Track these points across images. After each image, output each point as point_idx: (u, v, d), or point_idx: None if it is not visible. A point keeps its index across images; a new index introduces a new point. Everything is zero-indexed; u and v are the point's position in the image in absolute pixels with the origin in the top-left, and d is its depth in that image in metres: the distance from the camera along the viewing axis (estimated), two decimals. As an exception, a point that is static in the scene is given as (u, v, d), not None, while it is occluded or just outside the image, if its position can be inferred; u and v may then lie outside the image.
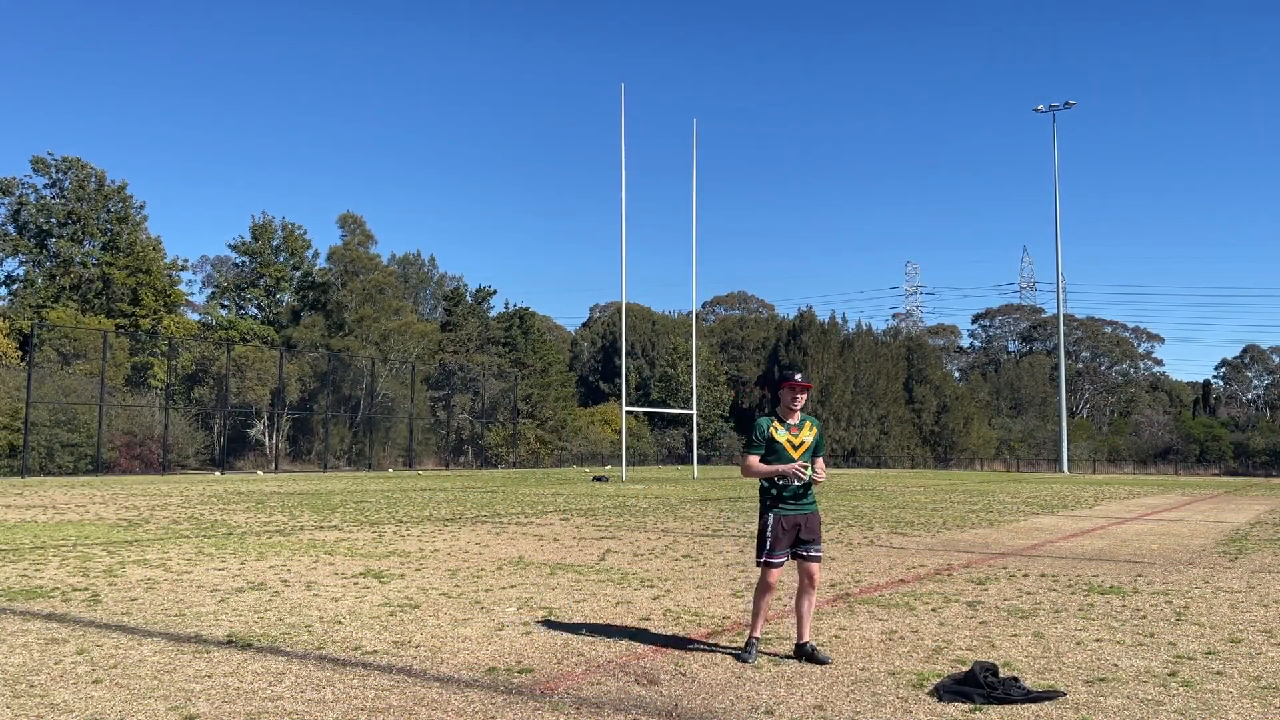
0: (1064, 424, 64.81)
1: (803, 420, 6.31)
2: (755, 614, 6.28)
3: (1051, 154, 70.55)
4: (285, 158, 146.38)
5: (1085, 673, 5.91)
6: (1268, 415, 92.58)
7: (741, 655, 6.18)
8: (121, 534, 13.46)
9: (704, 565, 10.77)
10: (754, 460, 6.25)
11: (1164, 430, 78.76)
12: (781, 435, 6.22)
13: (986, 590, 9.17)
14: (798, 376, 6.26)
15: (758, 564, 6.26)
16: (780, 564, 6.20)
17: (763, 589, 6.25)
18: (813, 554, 6.28)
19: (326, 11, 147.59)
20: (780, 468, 6.15)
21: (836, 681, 5.66)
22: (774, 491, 6.24)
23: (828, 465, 74.20)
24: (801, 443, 6.23)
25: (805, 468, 6.16)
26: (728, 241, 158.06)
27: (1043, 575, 10.30)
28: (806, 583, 6.28)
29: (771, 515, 6.24)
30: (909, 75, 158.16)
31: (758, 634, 6.30)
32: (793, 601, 8.59)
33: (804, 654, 6.18)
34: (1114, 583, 9.82)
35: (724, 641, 6.70)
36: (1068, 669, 6.00)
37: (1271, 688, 5.62)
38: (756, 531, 6.30)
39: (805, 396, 6.28)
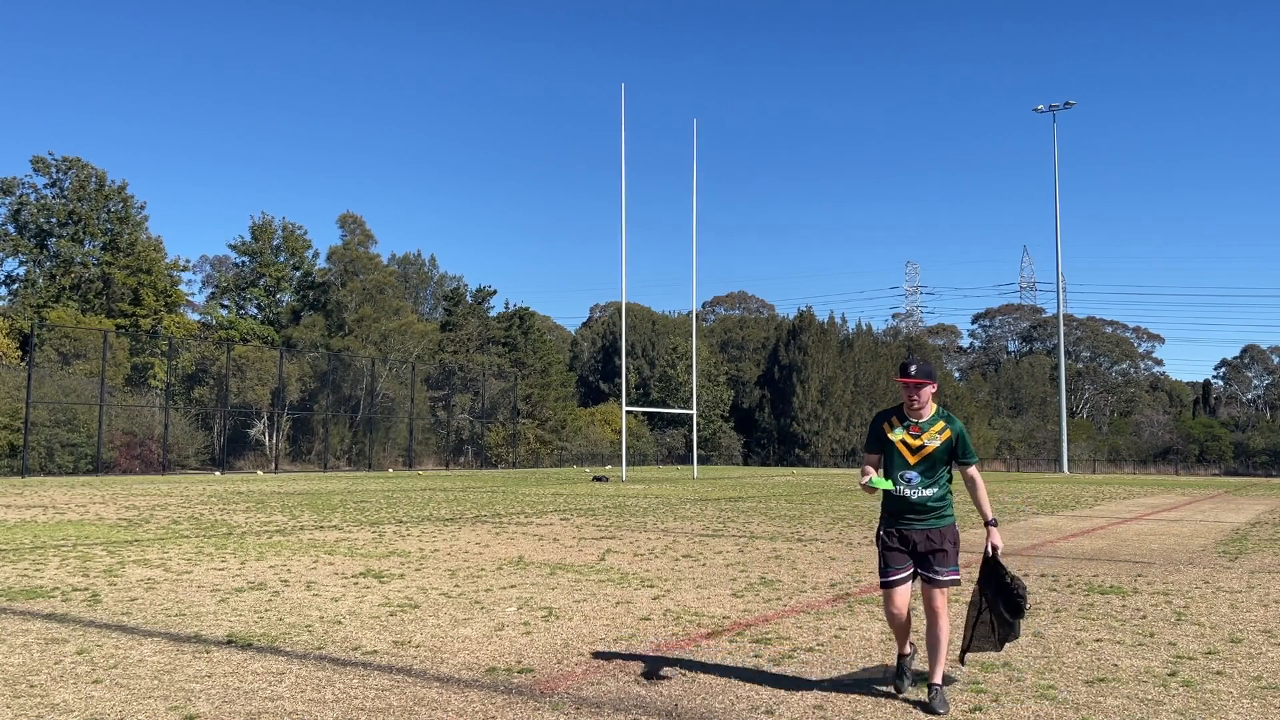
0: (1064, 424, 64.82)
1: (933, 419, 5.23)
2: (897, 640, 5.45)
3: (1051, 154, 70.58)
4: (285, 158, 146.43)
5: (1085, 673, 5.91)
6: (1268, 415, 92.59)
7: (893, 682, 5.41)
8: (121, 534, 13.46)
9: (704, 565, 10.77)
10: (867, 459, 5.40)
11: (1164, 430, 78.73)
12: (896, 434, 5.23)
13: (986, 590, 9.17)
14: (912, 369, 5.19)
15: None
16: (898, 582, 5.22)
17: (887, 615, 5.36)
18: (932, 575, 5.20)
19: (327, 11, 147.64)
20: (862, 481, 5.28)
21: (836, 681, 5.66)
22: (887, 500, 5.33)
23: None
24: (921, 446, 5.16)
25: (882, 481, 5.22)
26: (728, 241, 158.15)
27: (1043, 575, 10.30)
28: (928, 612, 5.25)
29: (881, 528, 5.38)
30: (909, 75, 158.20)
31: (904, 650, 5.37)
32: (791, 601, 8.56)
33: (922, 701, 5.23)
34: (1114, 583, 9.82)
35: (724, 641, 6.70)
36: (1068, 669, 6.00)
37: (1271, 688, 5.62)
38: None
39: (925, 394, 5.21)
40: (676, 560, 11.18)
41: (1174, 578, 10.31)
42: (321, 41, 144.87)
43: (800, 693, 5.39)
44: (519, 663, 5.98)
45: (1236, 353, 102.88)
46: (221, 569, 9.93)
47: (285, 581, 9.12)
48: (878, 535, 5.39)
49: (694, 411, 44.35)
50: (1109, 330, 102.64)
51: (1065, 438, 64.33)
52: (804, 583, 9.55)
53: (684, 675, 5.73)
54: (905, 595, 5.25)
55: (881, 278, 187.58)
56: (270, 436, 49.12)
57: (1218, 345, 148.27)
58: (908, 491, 5.16)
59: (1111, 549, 13.26)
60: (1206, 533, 16.09)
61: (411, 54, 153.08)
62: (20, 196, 49.14)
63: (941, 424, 5.22)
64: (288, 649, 6.27)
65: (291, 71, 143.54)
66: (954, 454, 5.21)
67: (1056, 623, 7.54)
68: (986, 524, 5.20)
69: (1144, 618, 7.82)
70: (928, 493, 5.16)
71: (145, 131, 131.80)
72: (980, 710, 5.06)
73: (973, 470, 5.26)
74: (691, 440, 50.30)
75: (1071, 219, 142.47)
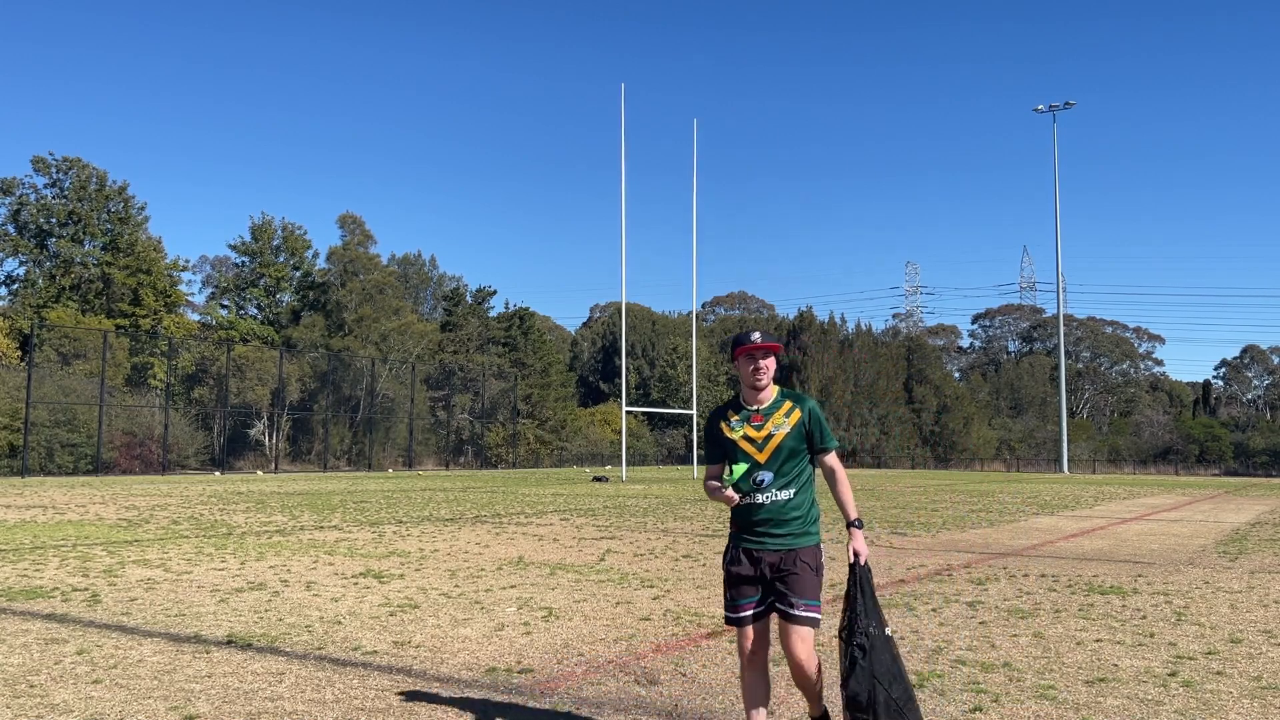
0: (1064, 424, 64.81)
1: (776, 402, 4.19)
2: (745, 703, 4.24)
3: (1051, 154, 70.57)
4: (285, 158, 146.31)
5: (1085, 673, 5.91)
6: (1268, 415, 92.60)
7: None
8: (121, 534, 13.46)
9: (704, 565, 10.77)
10: (708, 471, 4.33)
11: (1164, 430, 78.75)
12: (736, 431, 4.16)
13: (986, 590, 9.17)
14: (755, 337, 4.15)
15: None
16: (744, 618, 4.13)
17: (740, 661, 4.23)
18: (787, 610, 4.04)
19: (327, 11, 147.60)
20: (722, 492, 4.12)
21: (836, 681, 5.64)
22: (734, 512, 4.22)
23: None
24: (769, 437, 4.11)
25: (749, 488, 4.09)
26: (728, 241, 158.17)
27: (1043, 575, 10.30)
28: (787, 658, 4.08)
29: (730, 547, 4.24)
30: (909, 75, 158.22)
31: None
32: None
33: None
34: (1114, 583, 9.82)
35: (724, 641, 6.70)
36: (1068, 669, 6.00)
37: (1271, 688, 5.62)
38: None
39: (771, 368, 4.17)
40: (676, 560, 11.17)
41: (1174, 578, 10.31)
42: (321, 41, 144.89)
43: (800, 693, 5.38)
44: (519, 663, 5.98)
45: (1236, 353, 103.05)
46: (221, 569, 9.93)
47: (285, 581, 9.12)
48: (725, 553, 4.27)
49: (694, 411, 44.35)
50: (1109, 330, 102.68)
51: (1065, 438, 64.32)
52: (804, 583, 9.55)
53: (684, 675, 5.73)
54: (762, 636, 4.16)
55: (881, 278, 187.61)
56: (270, 437, 49.12)
57: (1218, 345, 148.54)
58: (760, 497, 4.10)
59: (1111, 549, 13.26)
60: (1206, 533, 16.09)
61: (411, 54, 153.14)
62: (20, 196, 49.16)
63: (788, 404, 4.18)
64: (288, 649, 6.27)
65: (291, 71, 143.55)
66: (810, 440, 4.17)
67: (1056, 623, 7.54)
68: (849, 525, 4.17)
69: (1144, 618, 7.82)
70: (783, 496, 4.09)
71: (145, 131, 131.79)
72: (980, 710, 5.06)
73: (832, 459, 4.22)
74: (691, 440, 50.28)
75: (1071, 219, 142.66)
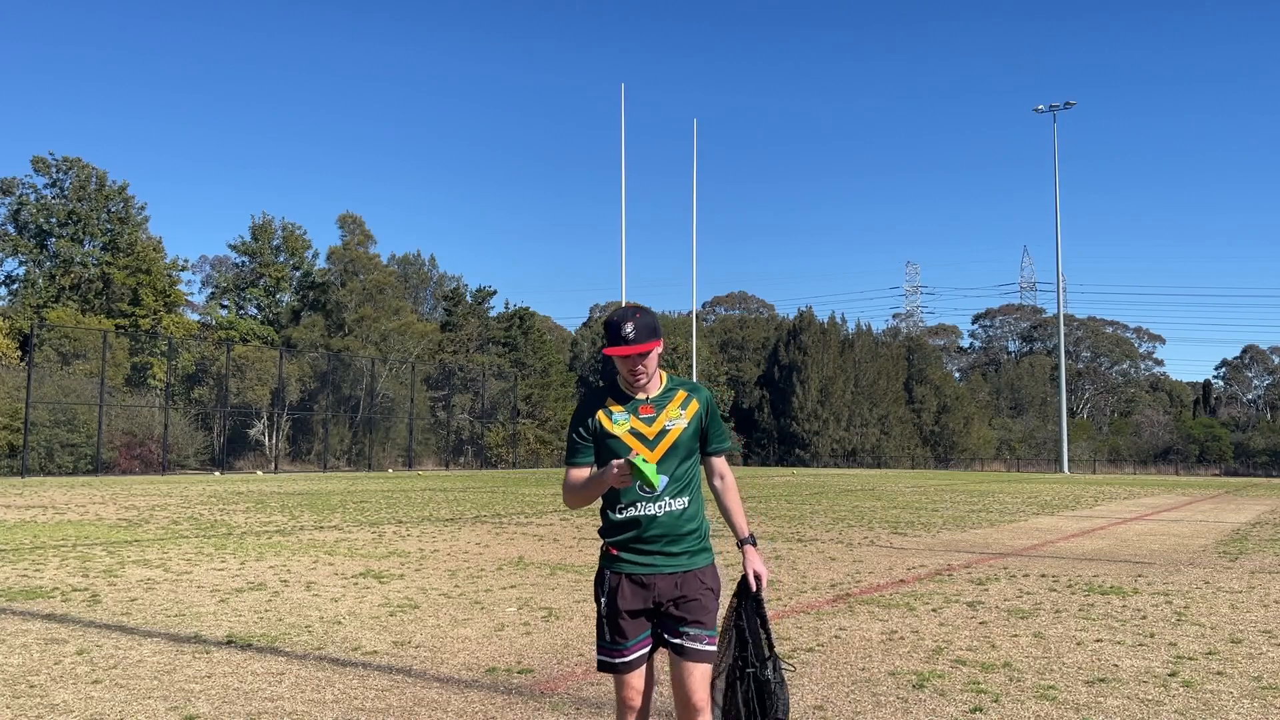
0: (1064, 424, 64.79)
1: (668, 391, 3.47)
2: None
3: (1052, 154, 70.58)
4: (285, 158, 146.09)
5: (1085, 673, 5.91)
6: (1268, 415, 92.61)
7: None
8: (121, 534, 13.46)
9: (704, 565, 10.76)
10: (572, 475, 3.44)
11: (1164, 430, 78.76)
12: (621, 424, 3.39)
13: (986, 590, 9.17)
14: (628, 332, 3.34)
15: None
16: (631, 663, 3.33)
17: (618, 711, 3.39)
18: (688, 645, 3.30)
19: (327, 11, 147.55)
20: (611, 473, 3.20)
21: (836, 681, 5.65)
22: (610, 528, 3.42)
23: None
24: (663, 431, 3.37)
25: (647, 467, 3.11)
26: (728, 241, 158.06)
27: (1043, 575, 10.30)
28: (682, 704, 3.33)
29: (607, 573, 3.40)
30: (909, 75, 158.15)
31: None
32: (791, 601, 8.50)
33: None
34: (1114, 583, 9.82)
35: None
36: (1068, 669, 6.00)
37: (1271, 688, 5.62)
38: None
39: (653, 364, 3.43)
40: (676, 560, 11.17)
41: (1174, 578, 10.31)
42: (321, 41, 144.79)
43: (800, 693, 5.38)
44: (519, 663, 5.98)
45: (1236, 353, 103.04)
46: (221, 569, 9.93)
47: (285, 582, 9.12)
48: (597, 581, 3.44)
49: (694, 411, 44.32)
50: (1109, 330, 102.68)
51: (1065, 438, 64.31)
52: (804, 583, 9.55)
53: (684, 675, 5.72)
54: (646, 680, 3.38)
55: (881, 278, 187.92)
56: (270, 437, 49.11)
57: (1218, 345, 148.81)
58: (651, 506, 3.32)
59: (1112, 549, 13.26)
60: (1207, 533, 16.09)
61: (412, 53, 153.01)
62: (20, 196, 49.17)
63: (683, 394, 3.47)
64: (288, 649, 6.27)
65: (291, 71, 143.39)
66: (703, 438, 3.48)
67: (1056, 623, 7.54)
68: (741, 543, 3.51)
69: (1144, 618, 7.82)
70: (678, 505, 3.34)
71: (145, 131, 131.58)
72: (980, 710, 5.06)
73: (723, 463, 3.55)
74: (691, 440, 50.26)
75: (1071, 219, 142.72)
